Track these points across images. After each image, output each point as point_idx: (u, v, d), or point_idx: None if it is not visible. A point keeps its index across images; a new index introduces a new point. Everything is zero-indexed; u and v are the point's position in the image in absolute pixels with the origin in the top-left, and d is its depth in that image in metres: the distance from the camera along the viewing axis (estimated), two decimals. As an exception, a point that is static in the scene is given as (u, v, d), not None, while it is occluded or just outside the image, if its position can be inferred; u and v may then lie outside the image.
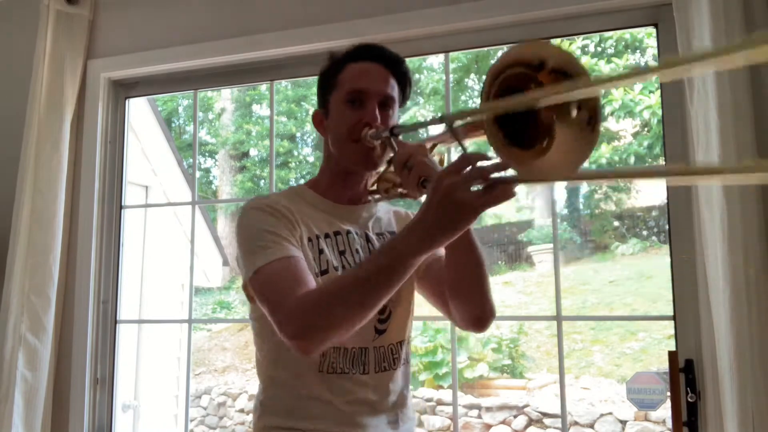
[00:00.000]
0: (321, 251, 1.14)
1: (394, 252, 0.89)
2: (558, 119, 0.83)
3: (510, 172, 0.84)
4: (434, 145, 1.16)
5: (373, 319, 1.14)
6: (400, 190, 1.16)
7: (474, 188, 0.82)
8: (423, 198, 0.94)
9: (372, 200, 1.27)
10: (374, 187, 1.25)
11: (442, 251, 1.20)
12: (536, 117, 0.85)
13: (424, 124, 0.99)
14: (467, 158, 0.83)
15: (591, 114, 0.80)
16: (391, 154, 1.12)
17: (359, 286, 0.92)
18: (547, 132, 0.84)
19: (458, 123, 1.01)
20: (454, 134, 0.93)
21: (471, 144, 1.00)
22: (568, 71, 0.78)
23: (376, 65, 1.17)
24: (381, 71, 1.17)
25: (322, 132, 1.23)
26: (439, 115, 1.01)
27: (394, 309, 1.21)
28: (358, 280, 0.93)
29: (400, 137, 1.12)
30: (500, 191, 0.80)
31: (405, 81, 1.21)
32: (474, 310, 1.19)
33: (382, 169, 1.22)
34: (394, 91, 1.18)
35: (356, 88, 1.15)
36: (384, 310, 1.19)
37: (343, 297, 0.94)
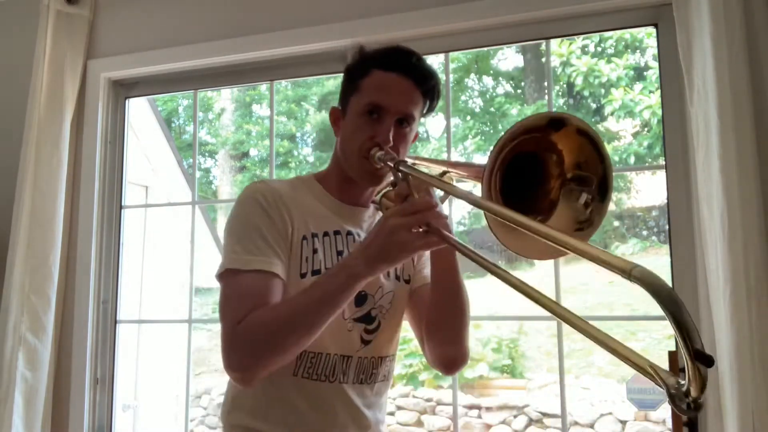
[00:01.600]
0: (315, 251, 1.12)
1: (347, 270, 0.96)
2: (563, 199, 0.90)
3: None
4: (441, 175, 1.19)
5: (358, 328, 1.15)
6: None
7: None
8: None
9: (374, 206, 1.26)
10: (377, 197, 1.24)
11: (428, 277, 1.21)
12: (544, 186, 0.91)
13: (430, 177, 1.03)
14: (414, 204, 0.95)
15: (595, 207, 0.87)
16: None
17: (314, 304, 0.97)
18: (545, 208, 0.91)
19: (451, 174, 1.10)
20: (447, 188, 1.00)
21: (474, 186, 1.04)
22: (587, 131, 0.85)
23: (402, 79, 1.12)
24: (406, 86, 1.13)
25: (336, 130, 1.21)
26: (442, 171, 1.11)
27: (384, 320, 1.19)
28: (312, 299, 0.97)
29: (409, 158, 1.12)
30: (436, 240, 0.93)
31: (433, 96, 1.18)
32: (447, 352, 1.19)
33: (387, 181, 1.21)
34: (417, 108, 1.15)
35: (375, 102, 1.12)
36: (372, 320, 1.17)
37: (294, 321, 0.97)
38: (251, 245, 1.05)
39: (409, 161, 1.20)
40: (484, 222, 1.08)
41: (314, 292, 0.98)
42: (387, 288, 1.20)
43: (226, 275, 1.06)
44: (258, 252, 1.05)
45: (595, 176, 0.87)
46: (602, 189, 0.87)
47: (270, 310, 1.00)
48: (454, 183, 1.15)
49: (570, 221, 0.89)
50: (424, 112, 1.19)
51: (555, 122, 0.86)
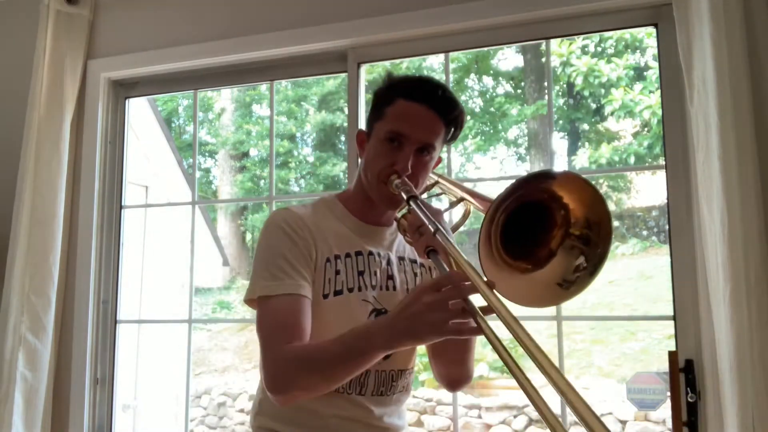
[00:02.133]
0: (338, 272, 1.18)
1: (369, 342, 0.97)
2: (562, 252, 0.93)
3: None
4: (455, 202, 1.24)
5: None
6: (409, 240, 1.19)
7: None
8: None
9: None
10: (398, 214, 1.27)
11: None
12: (545, 237, 0.94)
13: (429, 220, 1.04)
14: (449, 278, 0.90)
15: (591, 268, 0.91)
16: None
17: (333, 361, 1.01)
18: (544, 256, 0.94)
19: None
20: (438, 252, 1.01)
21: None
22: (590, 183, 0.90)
23: (425, 109, 1.16)
24: (428, 117, 1.16)
25: (361, 152, 1.26)
26: (460, 197, 1.19)
27: None
28: (334, 355, 1.01)
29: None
30: (470, 328, 0.88)
31: (456, 125, 1.21)
32: (451, 373, 1.26)
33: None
34: (438, 137, 1.18)
35: (397, 130, 1.16)
36: None
37: (318, 367, 1.03)
38: (278, 271, 1.11)
39: (434, 179, 1.30)
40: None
41: (342, 346, 1.00)
42: None
43: (259, 301, 1.12)
44: (285, 276, 1.11)
45: (601, 245, 0.91)
46: (598, 263, 0.91)
47: (302, 350, 1.05)
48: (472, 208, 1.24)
49: (559, 274, 0.93)
50: (447, 139, 1.22)
51: (541, 176, 0.94)
